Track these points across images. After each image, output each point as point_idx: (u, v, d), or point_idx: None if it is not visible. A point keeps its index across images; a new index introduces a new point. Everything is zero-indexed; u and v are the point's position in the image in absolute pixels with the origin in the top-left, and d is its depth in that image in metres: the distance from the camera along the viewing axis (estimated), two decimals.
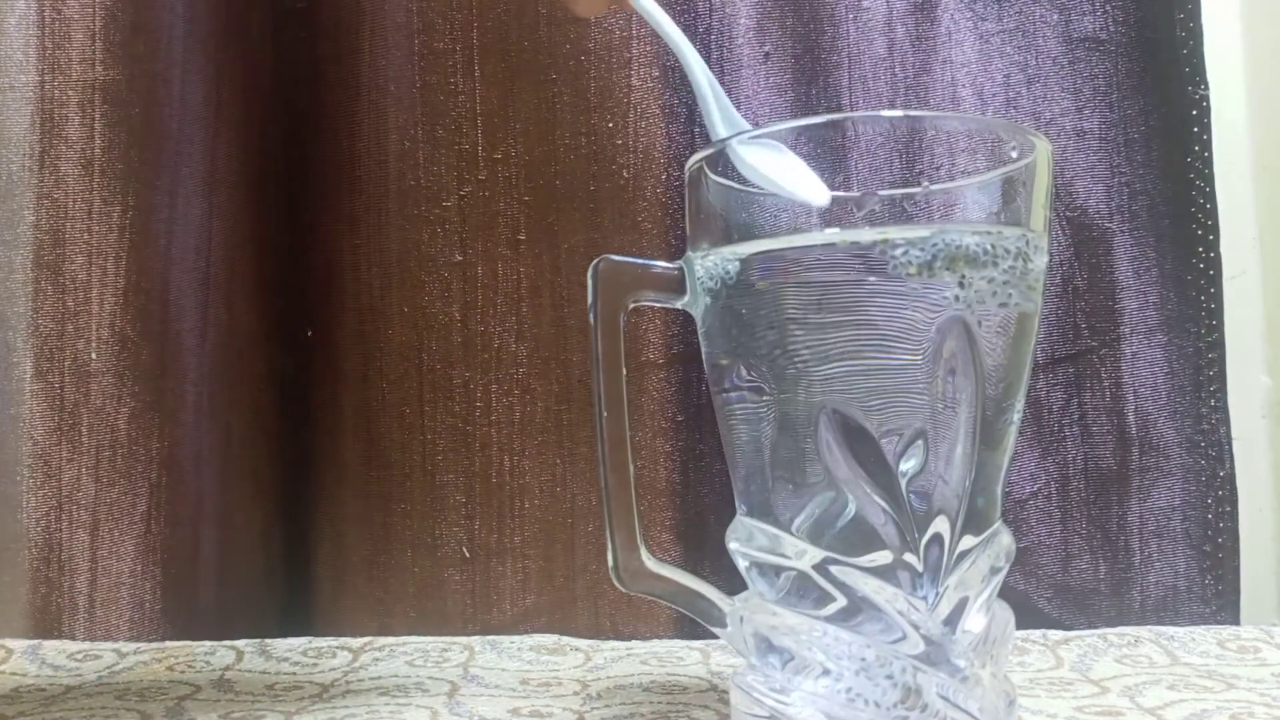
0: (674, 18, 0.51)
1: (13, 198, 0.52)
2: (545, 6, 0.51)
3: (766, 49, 0.52)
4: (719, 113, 0.37)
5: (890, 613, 0.30)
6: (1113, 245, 0.51)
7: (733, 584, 0.35)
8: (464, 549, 0.51)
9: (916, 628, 0.30)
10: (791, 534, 0.32)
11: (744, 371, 0.33)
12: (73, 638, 0.50)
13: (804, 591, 0.31)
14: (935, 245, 0.29)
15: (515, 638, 0.49)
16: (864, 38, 0.52)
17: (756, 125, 0.50)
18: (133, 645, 0.49)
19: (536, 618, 0.51)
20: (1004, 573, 0.32)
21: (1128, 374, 0.51)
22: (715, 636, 0.35)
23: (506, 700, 0.40)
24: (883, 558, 0.30)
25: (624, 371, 0.34)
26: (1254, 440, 0.54)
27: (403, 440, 0.52)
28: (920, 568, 0.30)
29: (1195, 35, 0.51)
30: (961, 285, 0.30)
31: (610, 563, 0.34)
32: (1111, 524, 0.51)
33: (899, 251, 0.29)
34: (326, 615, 0.52)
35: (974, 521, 0.31)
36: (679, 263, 0.35)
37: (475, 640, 0.49)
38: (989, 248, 0.30)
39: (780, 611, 0.32)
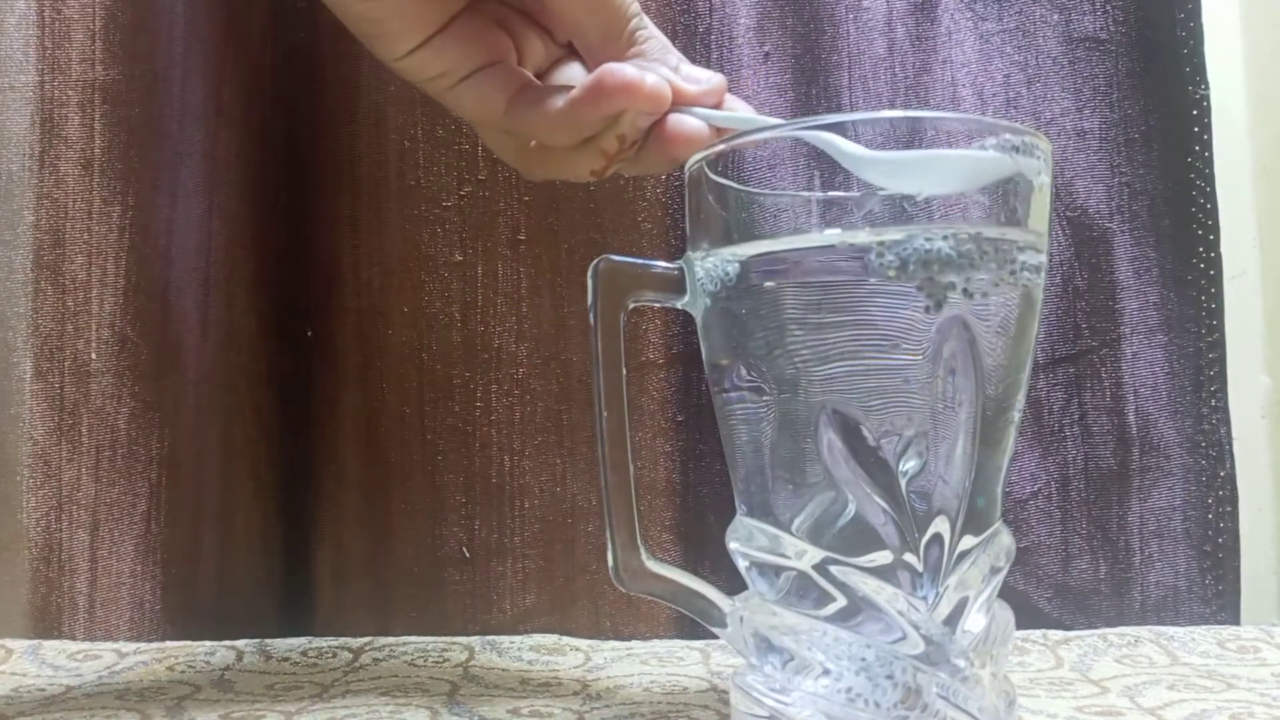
0: (674, 17, 0.51)
1: (13, 198, 0.52)
2: None
3: (766, 49, 0.52)
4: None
5: (890, 613, 0.30)
6: (1113, 245, 0.51)
7: (733, 584, 0.35)
8: (464, 549, 0.51)
9: (916, 628, 0.30)
10: (791, 534, 0.32)
11: (744, 371, 0.33)
12: (73, 638, 0.50)
13: (804, 591, 0.31)
14: (905, 249, 0.29)
15: (515, 638, 0.49)
16: (864, 38, 0.52)
17: None
18: (133, 645, 0.49)
19: (536, 618, 0.51)
20: (1004, 573, 0.32)
21: (1128, 374, 0.51)
22: (715, 636, 0.35)
23: (506, 700, 0.40)
24: (883, 558, 0.30)
25: (624, 371, 0.34)
26: (1254, 440, 0.54)
27: (403, 440, 0.52)
28: (920, 568, 0.30)
29: (1195, 35, 0.51)
30: (952, 288, 0.30)
31: (610, 563, 0.34)
32: (1112, 524, 0.51)
33: (873, 255, 0.30)
34: (326, 615, 0.52)
35: (974, 521, 0.31)
36: (679, 263, 0.35)
37: (475, 640, 0.49)
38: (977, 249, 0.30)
39: (780, 611, 0.32)
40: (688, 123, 0.35)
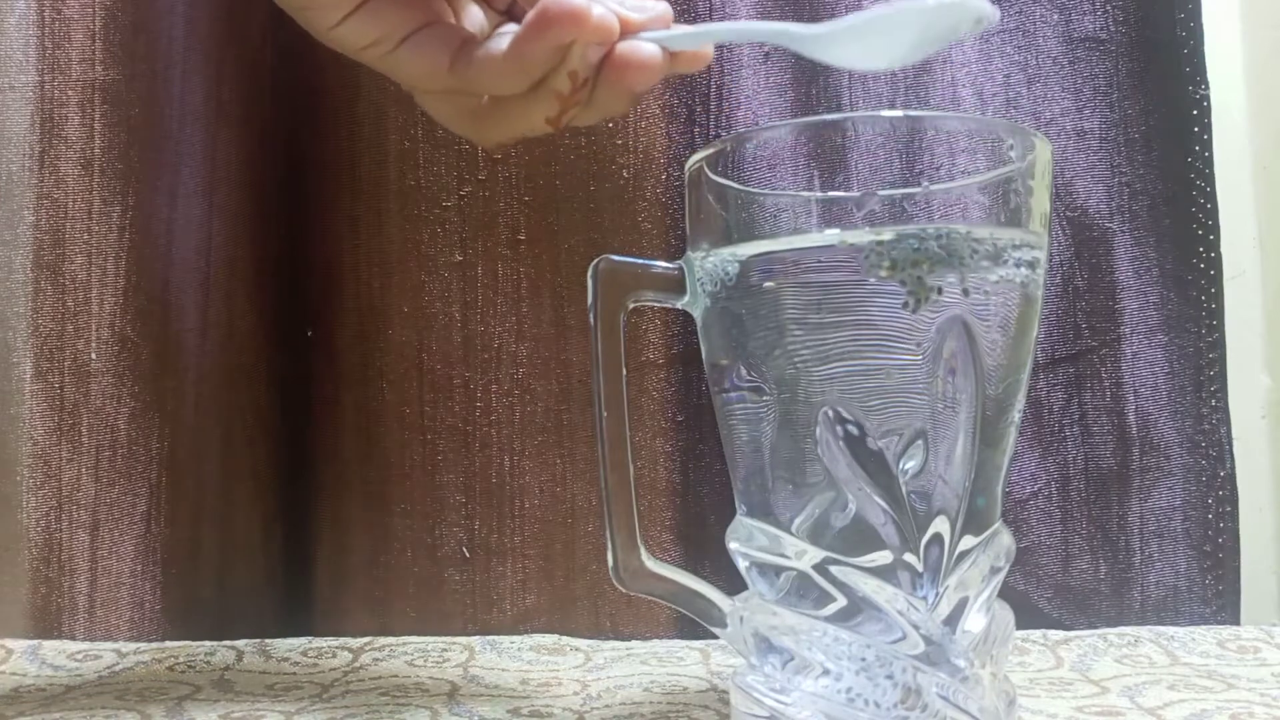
0: (674, 17, 0.51)
1: (13, 198, 0.52)
2: None
3: (766, 49, 0.52)
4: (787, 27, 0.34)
5: (890, 613, 0.30)
6: (1113, 245, 0.51)
7: (733, 584, 0.35)
8: (464, 549, 0.51)
9: (916, 628, 0.30)
10: (791, 534, 0.32)
11: (744, 371, 0.33)
12: (73, 638, 0.50)
13: (804, 591, 0.31)
14: (896, 249, 0.29)
15: (515, 638, 0.49)
16: None
17: (756, 124, 0.51)
18: (133, 645, 0.49)
19: (536, 618, 0.51)
20: (1004, 573, 0.32)
21: (1128, 374, 0.51)
22: (715, 636, 0.35)
23: (506, 700, 0.40)
24: (883, 558, 0.30)
25: (624, 371, 0.34)
26: (1254, 440, 0.54)
27: (403, 440, 0.52)
28: (920, 568, 0.30)
29: (1195, 35, 0.51)
30: (939, 289, 0.30)
31: (610, 563, 0.34)
32: (1111, 524, 0.51)
33: (863, 255, 0.30)
34: (326, 615, 0.52)
35: (974, 521, 0.31)
36: (679, 263, 0.35)
37: (475, 640, 0.49)
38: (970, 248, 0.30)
39: (780, 611, 0.32)
40: (641, 48, 0.34)
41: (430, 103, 0.39)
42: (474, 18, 0.38)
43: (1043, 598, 0.50)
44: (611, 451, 0.33)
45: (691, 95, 0.51)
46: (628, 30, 0.34)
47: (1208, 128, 0.51)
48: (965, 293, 0.30)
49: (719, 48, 0.51)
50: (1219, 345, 0.51)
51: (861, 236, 0.30)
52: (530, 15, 0.33)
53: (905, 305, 0.30)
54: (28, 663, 0.46)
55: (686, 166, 0.35)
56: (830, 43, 0.32)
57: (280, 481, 0.52)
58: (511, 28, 0.37)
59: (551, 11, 0.32)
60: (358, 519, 0.52)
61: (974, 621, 0.31)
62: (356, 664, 0.46)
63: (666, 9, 0.35)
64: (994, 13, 0.30)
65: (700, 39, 0.35)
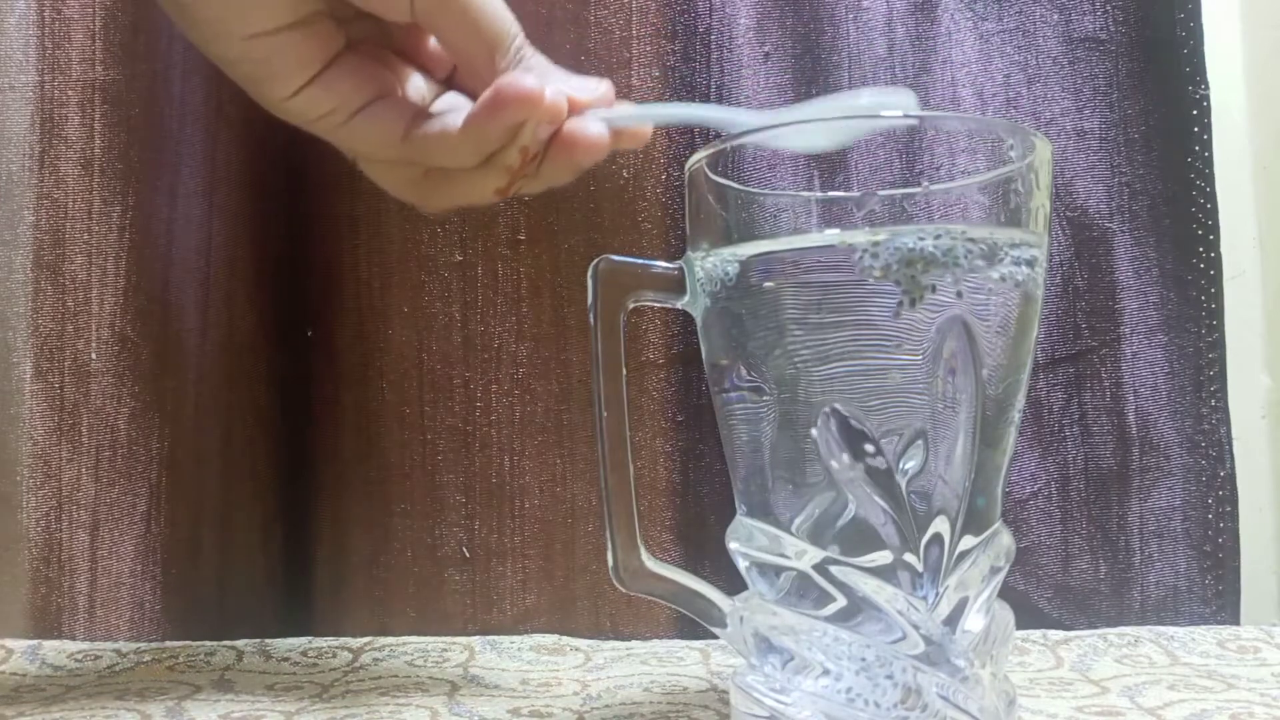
0: (674, 17, 0.51)
1: (13, 198, 0.52)
2: (545, 8, 0.51)
3: (766, 49, 0.52)
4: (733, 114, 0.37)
5: (890, 613, 0.30)
6: (1113, 245, 0.51)
7: (733, 584, 0.35)
8: (464, 549, 0.51)
9: (916, 628, 0.30)
10: (791, 534, 0.32)
11: (744, 371, 0.33)
12: (73, 638, 0.50)
13: (804, 591, 0.31)
14: (889, 249, 0.29)
15: (515, 638, 0.49)
16: (864, 38, 0.52)
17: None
18: (133, 645, 0.49)
19: (536, 618, 0.51)
20: (1004, 573, 0.32)
21: (1128, 374, 0.51)
22: (715, 636, 0.35)
23: (506, 700, 0.40)
24: (883, 558, 0.30)
25: (624, 371, 0.34)
26: (1254, 440, 0.54)
27: (403, 440, 0.52)
28: (920, 568, 0.30)
29: (1195, 35, 0.51)
30: (932, 288, 0.30)
31: (610, 563, 0.34)
32: (1111, 524, 0.51)
33: (857, 255, 0.30)
34: (326, 615, 0.52)
35: (974, 521, 0.31)
36: (679, 263, 0.35)
37: (475, 640, 0.49)
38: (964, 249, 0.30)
39: (780, 611, 0.32)
40: (588, 126, 0.36)
41: (375, 170, 0.40)
42: (416, 86, 0.39)
43: (1043, 598, 0.50)
44: (611, 451, 0.34)
45: (691, 95, 0.51)
46: (575, 109, 0.36)
47: (1208, 128, 0.51)
48: (960, 294, 0.30)
49: (718, 47, 0.51)
50: (1219, 345, 0.51)
51: (858, 236, 0.30)
52: (486, 95, 0.35)
53: (900, 305, 0.30)
54: (28, 663, 0.46)
55: (686, 166, 0.35)
56: (772, 130, 0.35)
57: (280, 481, 0.52)
58: (454, 98, 0.39)
59: (506, 93, 0.34)
60: (358, 519, 0.52)
61: (974, 621, 0.31)
62: (356, 664, 0.46)
63: (610, 89, 0.37)
64: (915, 106, 0.34)
65: (643, 119, 0.38)
